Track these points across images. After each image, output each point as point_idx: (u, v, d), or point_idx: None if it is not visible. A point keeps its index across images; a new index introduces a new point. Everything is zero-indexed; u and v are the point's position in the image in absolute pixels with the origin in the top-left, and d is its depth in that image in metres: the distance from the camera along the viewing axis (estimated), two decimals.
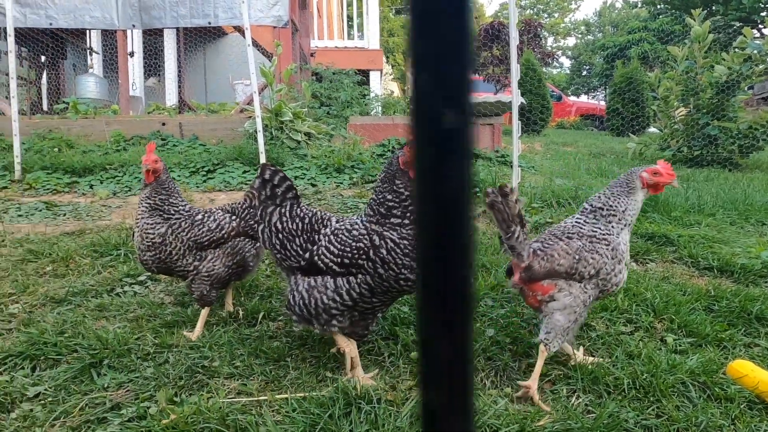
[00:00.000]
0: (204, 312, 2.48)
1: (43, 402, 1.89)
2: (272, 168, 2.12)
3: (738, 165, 8.44)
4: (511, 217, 2.00)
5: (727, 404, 1.86)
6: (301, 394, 1.90)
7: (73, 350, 2.22)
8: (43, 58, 10.29)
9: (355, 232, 1.94)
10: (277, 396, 1.91)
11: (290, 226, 2.06)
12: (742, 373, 1.98)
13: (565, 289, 2.01)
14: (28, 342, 2.24)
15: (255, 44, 6.82)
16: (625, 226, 2.12)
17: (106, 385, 1.98)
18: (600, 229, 2.10)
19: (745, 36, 8.17)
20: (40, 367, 2.13)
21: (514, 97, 4.72)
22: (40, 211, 4.87)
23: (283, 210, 2.10)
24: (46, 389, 1.95)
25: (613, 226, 2.09)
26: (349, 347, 2.02)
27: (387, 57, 32.29)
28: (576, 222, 2.17)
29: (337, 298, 1.94)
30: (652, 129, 14.57)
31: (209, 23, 8.18)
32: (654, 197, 4.81)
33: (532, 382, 1.91)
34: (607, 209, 2.13)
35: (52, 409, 1.83)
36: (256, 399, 1.90)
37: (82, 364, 2.10)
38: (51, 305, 2.76)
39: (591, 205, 2.18)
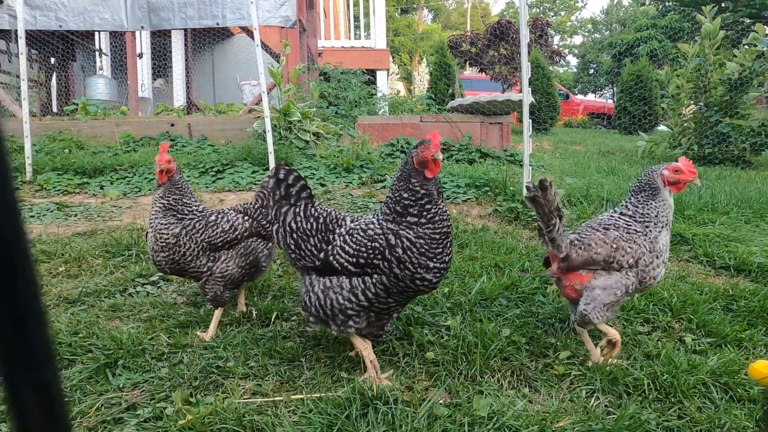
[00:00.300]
0: (217, 312, 2.47)
1: None
2: (287, 167, 2.11)
3: (750, 163, 8.34)
4: (551, 210, 2.04)
5: (750, 405, 1.82)
6: (317, 395, 1.89)
7: (88, 350, 2.22)
8: (52, 60, 10.36)
9: (370, 232, 1.92)
10: (293, 396, 1.90)
11: (305, 226, 2.05)
12: (765, 373, 1.94)
13: (605, 275, 2.04)
14: None
15: (263, 45, 6.82)
16: (663, 227, 2.11)
17: (121, 386, 1.98)
18: (637, 228, 2.10)
19: (757, 32, 8.07)
20: None
21: (525, 95, 4.68)
22: (52, 212, 4.89)
23: (297, 209, 2.09)
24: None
25: (650, 230, 2.09)
26: (367, 351, 2.00)
27: (393, 56, 32.29)
28: (611, 216, 2.18)
29: (353, 299, 1.92)
30: (661, 127, 14.47)
31: (217, 24, 8.20)
32: None
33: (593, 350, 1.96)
34: (640, 216, 2.12)
35: (68, 410, 1.83)
36: (271, 399, 1.89)
37: (97, 364, 2.10)
38: (65, 306, 2.76)
39: (621, 213, 2.17)
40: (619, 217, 2.16)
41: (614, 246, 2.05)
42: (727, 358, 2.10)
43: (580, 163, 8.44)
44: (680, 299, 2.65)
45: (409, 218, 1.89)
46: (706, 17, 8.48)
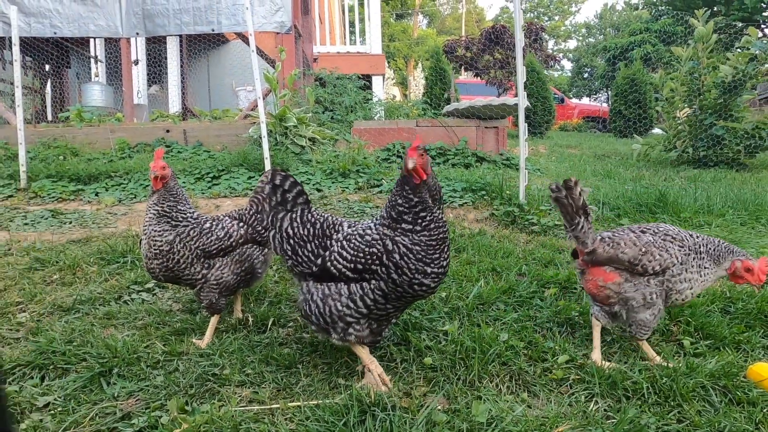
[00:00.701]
0: (213, 319, 2.45)
1: (52, 412, 1.86)
2: (283, 173, 2.10)
3: (744, 165, 8.38)
4: (575, 209, 2.09)
5: (750, 408, 1.81)
6: (314, 402, 1.87)
7: (82, 359, 2.20)
8: (47, 66, 10.34)
9: (368, 237, 1.91)
10: (290, 404, 1.88)
11: (302, 232, 2.04)
12: (763, 376, 1.94)
13: (630, 281, 2.08)
14: (36, 351, 2.22)
15: (258, 50, 6.82)
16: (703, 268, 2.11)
17: (116, 395, 1.96)
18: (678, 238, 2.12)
19: (750, 35, 8.13)
20: (48, 377, 2.10)
21: (521, 99, 4.69)
22: (46, 219, 4.86)
23: (294, 215, 2.08)
24: (55, 399, 1.93)
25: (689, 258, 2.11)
26: (374, 365, 1.98)
27: (388, 62, 32.37)
28: (657, 223, 2.21)
29: (351, 305, 1.91)
30: (656, 130, 14.53)
31: (213, 30, 8.20)
32: (663, 197, 4.77)
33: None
34: (693, 251, 2.12)
35: (62, 420, 1.80)
36: (268, 407, 1.87)
37: (91, 373, 2.08)
38: (59, 314, 2.74)
39: (682, 243, 2.15)
40: (677, 234, 2.16)
41: (643, 249, 2.07)
42: (725, 360, 2.09)
43: (576, 167, 8.46)
44: None
45: (404, 225, 1.88)
46: (699, 21, 8.54)
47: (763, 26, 21.19)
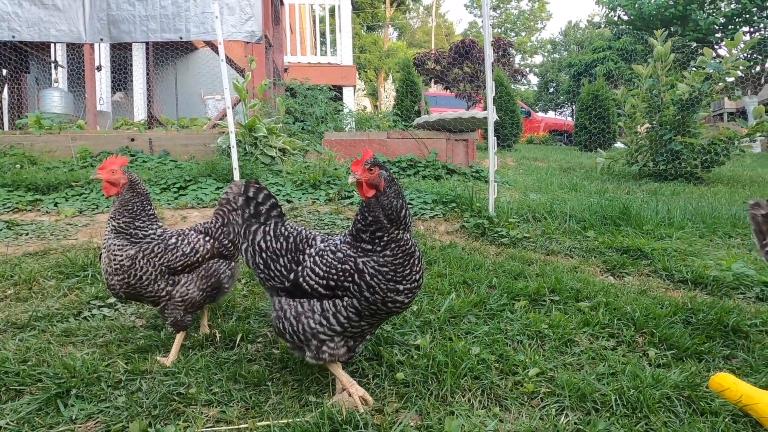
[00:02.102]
0: (179, 336, 2.37)
1: None
2: (257, 185, 2.06)
3: (701, 179, 8.73)
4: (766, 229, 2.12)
5: (713, 418, 1.86)
6: (284, 421, 1.82)
7: (38, 380, 2.08)
8: (4, 71, 9.94)
9: (340, 254, 1.88)
10: (259, 423, 1.83)
11: (274, 245, 2.00)
12: (725, 386, 1.99)
13: None
14: None
15: (227, 59, 6.74)
16: None
17: (73, 417, 1.86)
18: None
19: (704, 56, 8.52)
20: (1, 399, 1.99)
21: (490, 112, 4.77)
22: (1, 230, 4.64)
23: (267, 228, 2.03)
24: (7, 423, 1.82)
25: None
26: (354, 387, 1.92)
27: (359, 73, 32.53)
28: None
29: (324, 322, 1.87)
30: (618, 144, 15.02)
31: (180, 38, 8.07)
32: (626, 210, 4.91)
33: None
34: None
35: None
36: (236, 427, 1.81)
37: (47, 394, 1.97)
38: (12, 331, 2.60)
39: None
40: None
41: None
42: (689, 371, 2.15)
43: (543, 179, 8.65)
44: (643, 313, 2.71)
45: (363, 245, 1.84)
46: (657, 40, 8.90)
47: (716, 47, 22.32)
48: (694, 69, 8.75)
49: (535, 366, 2.20)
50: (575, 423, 1.85)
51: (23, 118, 8.82)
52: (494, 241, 4.40)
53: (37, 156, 7.12)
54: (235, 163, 5.67)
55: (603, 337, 2.53)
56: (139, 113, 12.19)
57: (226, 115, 6.22)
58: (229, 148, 5.81)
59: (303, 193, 5.93)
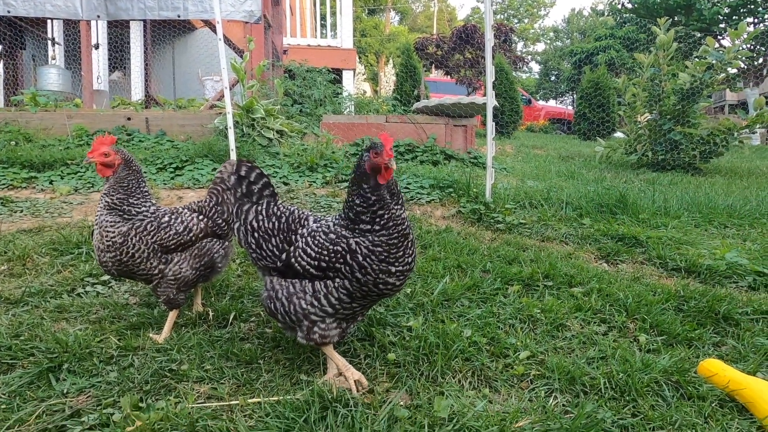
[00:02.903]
0: (172, 314, 2.37)
1: None
2: (249, 164, 2.04)
3: (699, 170, 8.73)
4: None
5: (700, 403, 1.88)
6: (275, 398, 1.83)
7: (30, 354, 2.09)
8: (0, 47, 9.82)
9: (332, 235, 1.87)
10: (250, 400, 1.84)
11: (266, 225, 1.99)
12: (713, 372, 2.01)
13: None
14: None
15: (226, 39, 6.65)
16: None
17: (65, 391, 1.87)
18: None
19: (707, 45, 8.45)
20: None
21: (489, 98, 4.74)
22: None
23: (259, 208, 2.02)
24: None
25: None
26: (350, 371, 1.93)
27: (360, 57, 32.23)
28: None
29: (316, 303, 1.87)
30: (618, 134, 14.98)
31: (178, 16, 7.97)
32: (623, 199, 4.91)
33: None
34: None
35: (6, 417, 1.71)
36: (227, 403, 1.82)
37: (39, 368, 1.98)
38: (5, 306, 2.60)
39: None
40: None
41: None
42: (678, 357, 2.16)
43: (541, 167, 8.63)
44: (635, 300, 2.72)
45: (362, 225, 1.83)
46: (660, 29, 8.82)
47: (719, 37, 22.15)
48: (696, 59, 8.68)
49: (526, 349, 2.21)
50: (563, 405, 1.87)
51: (19, 94, 8.73)
52: (490, 227, 4.40)
53: (33, 133, 7.07)
54: (232, 144, 5.64)
55: (595, 323, 2.54)
56: (137, 93, 12.08)
57: (223, 96, 6.17)
58: (227, 129, 5.77)
59: (300, 176, 5.91)
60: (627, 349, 2.24)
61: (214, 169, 5.93)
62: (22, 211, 4.55)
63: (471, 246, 3.70)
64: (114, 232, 2.24)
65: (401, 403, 1.82)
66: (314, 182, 5.74)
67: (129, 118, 7.64)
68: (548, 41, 54.08)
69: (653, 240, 3.87)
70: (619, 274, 3.29)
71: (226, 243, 2.55)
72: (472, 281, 2.95)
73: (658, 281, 3.20)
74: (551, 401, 1.88)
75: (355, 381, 1.92)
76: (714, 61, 8.33)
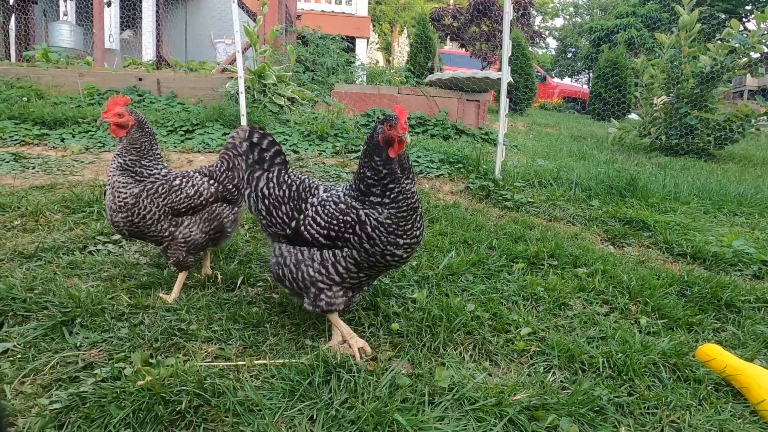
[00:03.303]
0: (181, 275, 2.42)
1: (11, 359, 1.83)
2: (261, 131, 2.04)
3: (713, 156, 8.61)
4: None
5: (696, 386, 1.91)
6: (281, 361, 1.88)
7: (44, 307, 2.15)
8: (11, 0, 9.71)
9: (342, 205, 1.88)
10: (256, 361, 1.89)
11: (277, 193, 2.00)
12: (711, 356, 2.04)
13: None
14: None
15: (239, 2, 6.55)
16: None
17: (78, 344, 1.93)
18: None
19: (731, 28, 8.22)
20: (8, 323, 2.05)
21: (504, 74, 4.67)
22: (8, 162, 4.66)
23: (270, 175, 2.04)
24: (14, 346, 1.89)
25: None
26: (354, 339, 1.97)
27: (374, 25, 31.64)
28: None
29: (323, 271, 1.90)
30: (632, 115, 14.75)
31: None
32: (633, 182, 4.88)
33: None
34: None
35: (21, 366, 1.78)
36: (234, 364, 1.88)
37: (53, 321, 2.04)
38: (19, 260, 2.66)
39: None
40: None
41: None
42: (677, 340, 2.19)
43: (553, 146, 8.55)
44: (638, 283, 2.74)
45: (372, 198, 1.85)
46: (684, 9, 8.57)
47: (744, 20, 21.49)
48: (719, 41, 8.45)
49: (527, 326, 2.25)
50: (561, 381, 1.91)
51: (31, 50, 8.68)
52: (498, 204, 4.40)
53: (44, 90, 7.06)
54: (243, 110, 5.61)
55: (597, 303, 2.57)
56: (148, 53, 11.98)
57: (235, 60, 6.11)
58: (238, 93, 5.74)
59: (310, 144, 5.90)
60: (627, 331, 2.27)
61: (225, 134, 5.92)
62: (34, 168, 4.59)
63: (478, 222, 3.72)
64: (126, 193, 2.27)
65: (403, 371, 1.87)
66: (324, 151, 5.73)
67: (140, 79, 7.60)
68: (567, 16, 52.71)
69: (661, 224, 3.86)
70: (625, 257, 3.30)
71: (236, 208, 2.58)
72: (477, 257, 2.98)
73: (663, 265, 3.21)
74: (550, 377, 1.92)
75: (359, 348, 1.96)
76: (737, 45, 8.12)
